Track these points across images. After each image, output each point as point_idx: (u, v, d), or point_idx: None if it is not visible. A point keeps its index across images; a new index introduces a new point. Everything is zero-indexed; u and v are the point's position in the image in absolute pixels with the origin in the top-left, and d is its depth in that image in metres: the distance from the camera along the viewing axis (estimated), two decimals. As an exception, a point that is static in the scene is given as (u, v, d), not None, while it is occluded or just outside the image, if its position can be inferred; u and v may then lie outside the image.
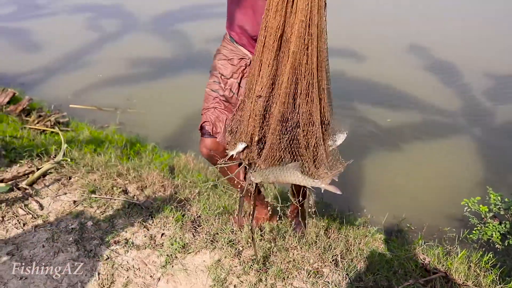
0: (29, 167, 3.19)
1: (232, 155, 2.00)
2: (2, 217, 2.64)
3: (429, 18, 9.13)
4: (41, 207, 2.76)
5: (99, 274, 2.27)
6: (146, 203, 2.82)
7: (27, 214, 2.69)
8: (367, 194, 4.02)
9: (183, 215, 2.69)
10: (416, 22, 8.89)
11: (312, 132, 1.86)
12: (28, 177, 3.07)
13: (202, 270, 2.32)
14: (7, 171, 3.14)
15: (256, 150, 1.94)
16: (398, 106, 5.57)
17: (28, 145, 3.58)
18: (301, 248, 2.54)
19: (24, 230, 2.56)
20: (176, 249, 2.41)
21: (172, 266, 2.33)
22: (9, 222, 2.61)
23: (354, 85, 6.17)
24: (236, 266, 2.34)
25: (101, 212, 2.72)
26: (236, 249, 2.44)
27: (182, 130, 4.86)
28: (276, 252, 2.46)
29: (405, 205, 3.74)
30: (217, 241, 2.49)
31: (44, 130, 4.44)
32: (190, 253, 2.41)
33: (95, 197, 2.84)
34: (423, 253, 2.73)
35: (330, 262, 2.47)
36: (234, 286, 2.23)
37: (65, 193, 2.90)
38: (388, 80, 6.21)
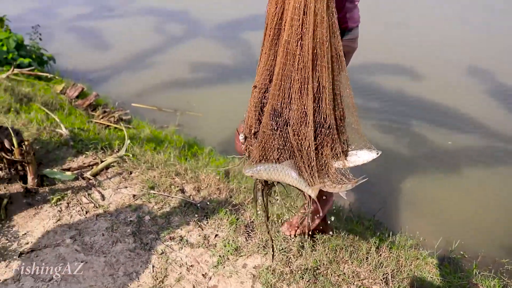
0: (94, 159, 3.35)
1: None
2: (68, 204, 2.79)
3: (494, 39, 8.81)
4: (103, 197, 2.89)
5: (153, 267, 2.35)
6: (202, 203, 2.89)
7: (89, 203, 2.83)
8: (420, 215, 3.92)
9: (237, 219, 2.74)
10: (481, 43, 8.60)
11: (304, 133, 1.67)
12: (92, 168, 3.22)
13: (253, 274, 2.35)
14: (73, 161, 3.31)
15: (254, 144, 1.82)
16: (460, 129, 5.39)
17: (93, 138, 3.76)
18: (352, 262, 2.52)
19: (86, 217, 2.69)
20: (228, 251, 2.46)
21: (224, 267, 2.38)
22: (73, 209, 2.75)
23: (414, 103, 6.05)
24: (286, 274, 2.35)
25: (158, 208, 2.81)
26: (287, 257, 2.46)
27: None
28: (326, 264, 2.46)
29: (460, 231, 3.63)
30: (269, 248, 2.51)
31: (108, 125, 4.64)
32: (242, 256, 2.45)
33: (154, 193, 2.94)
34: (476, 282, 2.64)
35: (381, 280, 2.44)
36: (283, 293, 2.25)
37: (126, 187, 3.02)
38: (450, 101, 6.04)
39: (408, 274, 2.55)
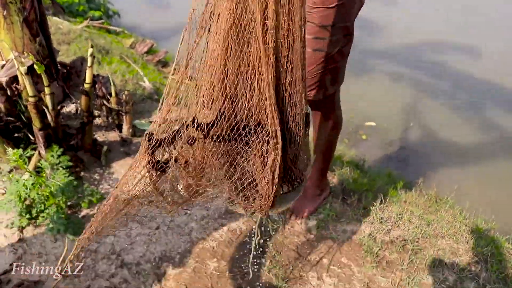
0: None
1: None
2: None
3: None
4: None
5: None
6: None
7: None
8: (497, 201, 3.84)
9: (333, 186, 2.71)
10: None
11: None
12: (180, 123, 3.24)
13: (354, 240, 2.34)
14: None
15: None
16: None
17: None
18: (449, 238, 2.48)
19: (182, 171, 2.72)
20: (328, 215, 2.44)
21: (325, 231, 2.37)
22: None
23: (487, 86, 5.86)
24: (387, 243, 2.33)
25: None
26: (387, 227, 2.43)
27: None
28: (424, 237, 2.42)
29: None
30: (367, 216, 2.49)
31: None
32: (341, 222, 2.44)
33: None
34: None
35: (480, 259, 2.38)
36: (386, 262, 2.23)
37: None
38: None
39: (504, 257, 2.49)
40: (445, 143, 4.79)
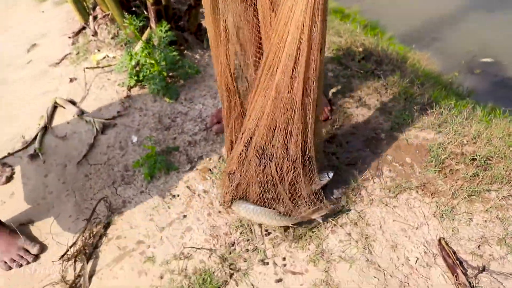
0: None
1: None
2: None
3: None
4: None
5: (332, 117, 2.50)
6: (383, 74, 2.92)
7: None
8: None
9: (411, 95, 2.73)
10: None
11: (288, 166, 1.74)
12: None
13: (424, 146, 2.39)
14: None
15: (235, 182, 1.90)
16: None
17: None
18: (527, 163, 2.41)
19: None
20: (404, 119, 2.50)
21: (396, 132, 2.44)
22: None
23: None
24: (457, 155, 2.34)
25: (342, 68, 2.91)
26: (461, 140, 2.43)
27: (425, 27, 4.69)
28: (500, 158, 2.38)
29: None
30: (444, 127, 2.50)
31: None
32: (415, 127, 2.48)
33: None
34: None
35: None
36: (450, 170, 2.26)
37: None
38: None
39: None
40: None
